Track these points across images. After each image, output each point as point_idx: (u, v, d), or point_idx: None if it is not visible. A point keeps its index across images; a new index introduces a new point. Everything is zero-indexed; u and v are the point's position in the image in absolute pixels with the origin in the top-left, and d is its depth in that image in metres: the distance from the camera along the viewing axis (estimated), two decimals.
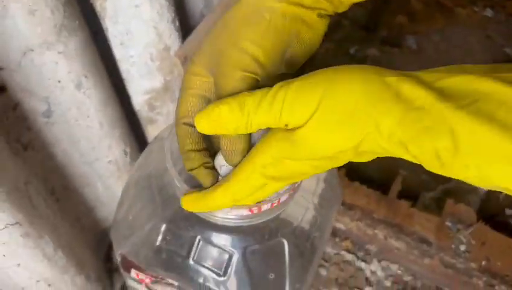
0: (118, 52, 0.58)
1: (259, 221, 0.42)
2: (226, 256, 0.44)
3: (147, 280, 0.50)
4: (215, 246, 0.45)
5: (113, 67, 0.60)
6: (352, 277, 0.80)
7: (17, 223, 0.49)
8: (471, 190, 0.88)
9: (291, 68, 0.36)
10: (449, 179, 0.90)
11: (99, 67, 0.56)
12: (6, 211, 0.47)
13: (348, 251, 0.82)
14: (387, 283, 0.80)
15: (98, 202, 0.71)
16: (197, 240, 0.45)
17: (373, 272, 0.81)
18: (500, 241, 0.73)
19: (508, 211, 0.86)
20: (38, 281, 0.57)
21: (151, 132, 0.71)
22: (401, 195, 0.81)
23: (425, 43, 1.12)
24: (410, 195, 0.87)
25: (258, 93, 0.30)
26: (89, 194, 0.69)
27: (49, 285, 0.58)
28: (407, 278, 0.80)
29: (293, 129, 0.29)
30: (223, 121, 0.31)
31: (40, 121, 0.54)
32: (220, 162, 0.37)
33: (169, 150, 0.43)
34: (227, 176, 0.35)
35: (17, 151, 0.53)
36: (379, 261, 0.82)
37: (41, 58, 0.48)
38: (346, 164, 0.31)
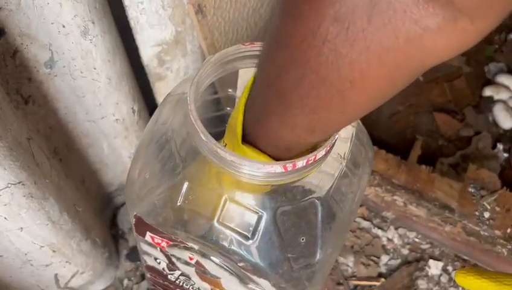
0: None
1: (293, 179, 0.38)
2: (255, 217, 0.40)
3: (163, 244, 0.46)
4: (242, 206, 0.41)
5: (121, 15, 0.54)
6: (369, 245, 0.76)
7: (20, 182, 0.44)
8: (491, 156, 0.85)
9: None
10: (467, 144, 0.86)
11: (107, 13, 0.51)
12: (8, 168, 0.42)
13: (364, 218, 0.79)
14: (404, 251, 0.77)
15: (103, 164, 0.67)
16: (222, 199, 0.41)
17: (390, 240, 0.77)
18: None
19: None
20: (42, 246, 0.53)
21: (160, 89, 0.66)
22: (420, 161, 0.77)
23: None
24: (428, 161, 0.83)
25: None
26: (94, 155, 0.64)
27: (54, 251, 0.54)
28: (424, 246, 0.77)
29: None
30: None
31: (42, 71, 0.49)
32: None
33: (193, 102, 0.38)
34: None
35: (17, 104, 0.48)
36: (396, 228, 0.78)
37: None
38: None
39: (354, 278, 0.73)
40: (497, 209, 0.70)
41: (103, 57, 0.51)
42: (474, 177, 0.73)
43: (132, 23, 0.55)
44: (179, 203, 0.43)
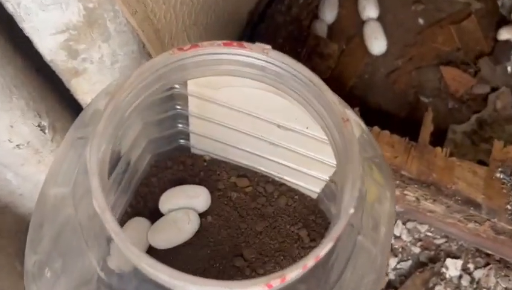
0: None
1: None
2: None
3: None
4: None
5: None
6: None
7: None
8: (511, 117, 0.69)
9: None
10: (483, 104, 0.70)
11: None
12: None
13: None
14: (416, 249, 0.63)
15: (15, 195, 0.49)
16: None
17: (398, 237, 0.63)
18: None
19: None
20: None
21: (80, 86, 0.47)
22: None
23: None
24: (438, 132, 0.67)
25: None
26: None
27: None
28: (439, 241, 0.63)
29: None
30: None
31: None
32: None
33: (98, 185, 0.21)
34: None
35: None
36: (404, 222, 0.64)
37: None
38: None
39: None
40: None
41: None
42: (501, 158, 0.58)
43: (10, 7, 0.35)
44: None
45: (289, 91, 0.30)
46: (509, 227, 0.55)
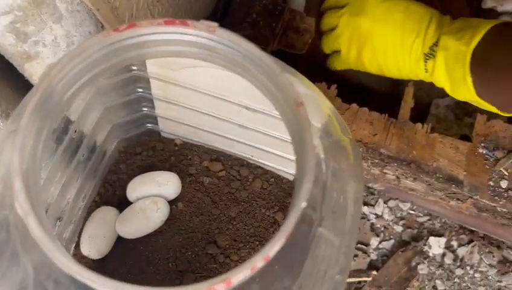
0: None
1: None
2: None
3: None
4: None
5: None
6: None
7: None
8: None
9: None
10: None
11: None
12: None
13: None
14: (398, 228, 0.61)
15: None
16: None
17: (379, 217, 0.62)
18: None
19: None
20: None
21: (35, 70, 0.44)
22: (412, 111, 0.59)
23: None
24: (421, 107, 0.65)
25: None
26: None
27: None
28: (422, 219, 0.62)
29: None
30: None
31: None
32: None
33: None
34: None
35: None
36: (385, 201, 0.62)
37: None
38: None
39: None
40: None
41: None
42: (484, 133, 0.56)
43: None
44: None
45: (242, 72, 0.27)
46: (492, 204, 0.53)
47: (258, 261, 0.21)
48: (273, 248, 0.22)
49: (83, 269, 0.20)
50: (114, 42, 0.25)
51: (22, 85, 0.45)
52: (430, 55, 0.49)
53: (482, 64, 0.44)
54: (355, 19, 0.54)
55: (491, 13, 0.71)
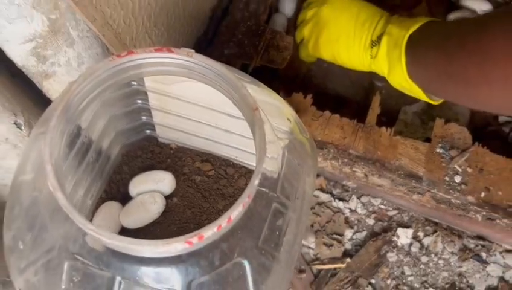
0: None
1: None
2: None
3: None
4: (144, 287, 0.31)
5: None
6: (330, 221, 0.68)
7: None
8: None
9: None
10: None
11: None
12: None
13: (323, 190, 0.70)
14: (370, 221, 0.69)
15: (1, 185, 0.55)
16: (116, 281, 0.31)
17: (353, 211, 0.69)
18: (500, 164, 0.61)
19: (502, 119, 0.74)
20: None
21: (52, 86, 0.52)
22: (383, 115, 0.67)
23: None
24: (391, 113, 0.73)
25: None
26: None
27: None
28: (392, 212, 0.69)
29: None
30: None
31: None
32: None
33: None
34: None
35: None
36: (358, 197, 0.70)
37: None
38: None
39: (317, 262, 0.66)
40: (469, 170, 0.61)
41: None
42: (442, 135, 0.64)
43: None
44: (63, 287, 0.32)
45: (215, 86, 0.36)
46: (447, 197, 0.61)
47: (223, 222, 0.29)
48: (233, 211, 0.29)
49: (95, 227, 0.28)
50: (117, 65, 0.33)
51: (41, 100, 0.53)
52: (376, 42, 0.57)
53: (415, 46, 0.52)
54: (319, 9, 0.63)
55: None
